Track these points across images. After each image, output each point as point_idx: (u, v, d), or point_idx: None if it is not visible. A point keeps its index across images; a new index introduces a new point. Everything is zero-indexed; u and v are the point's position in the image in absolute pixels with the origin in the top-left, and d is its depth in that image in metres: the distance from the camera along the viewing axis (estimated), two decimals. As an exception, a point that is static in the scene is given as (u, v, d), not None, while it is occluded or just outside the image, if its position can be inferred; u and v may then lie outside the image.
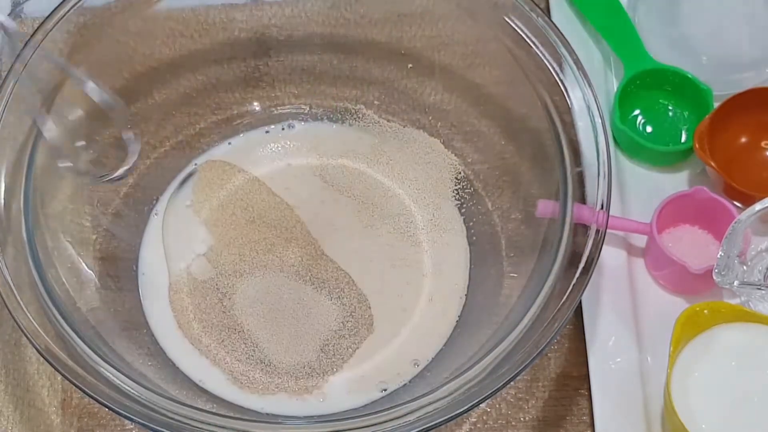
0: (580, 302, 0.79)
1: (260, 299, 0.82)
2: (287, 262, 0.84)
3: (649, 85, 0.89)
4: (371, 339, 0.81)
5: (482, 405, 0.78)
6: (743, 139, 0.87)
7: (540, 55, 0.77)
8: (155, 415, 0.67)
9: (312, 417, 0.77)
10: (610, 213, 0.72)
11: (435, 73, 0.88)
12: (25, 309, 0.70)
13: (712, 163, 0.82)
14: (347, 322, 0.81)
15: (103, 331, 0.75)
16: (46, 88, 0.77)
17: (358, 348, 0.80)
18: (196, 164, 0.88)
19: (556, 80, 0.76)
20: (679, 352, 0.73)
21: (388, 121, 0.89)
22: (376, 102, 0.89)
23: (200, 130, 0.89)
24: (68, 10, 0.77)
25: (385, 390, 0.79)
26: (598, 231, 0.71)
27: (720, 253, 0.75)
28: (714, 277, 0.75)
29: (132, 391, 0.68)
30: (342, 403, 0.78)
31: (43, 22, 0.77)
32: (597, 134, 0.74)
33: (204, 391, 0.79)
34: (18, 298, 0.70)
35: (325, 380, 0.79)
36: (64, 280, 0.75)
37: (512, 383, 0.70)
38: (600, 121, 0.74)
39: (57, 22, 0.77)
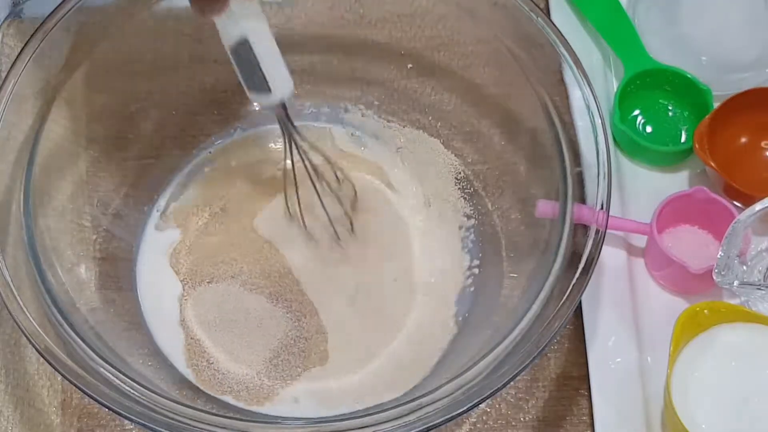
0: (580, 302, 0.80)
1: (215, 308, 0.82)
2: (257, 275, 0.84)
3: (649, 85, 0.89)
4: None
5: (482, 405, 0.78)
6: (743, 139, 0.87)
7: (540, 55, 0.77)
8: (155, 415, 0.67)
9: (311, 418, 0.77)
10: (610, 213, 0.72)
11: (435, 73, 0.88)
12: (25, 309, 0.70)
13: (712, 163, 0.82)
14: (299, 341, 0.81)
15: (103, 331, 0.75)
16: (46, 88, 0.77)
17: (306, 370, 0.80)
18: (210, 152, 0.89)
19: (555, 80, 0.76)
20: (679, 352, 0.73)
21: (388, 121, 0.89)
22: (376, 102, 0.89)
23: (200, 130, 0.89)
24: (68, 10, 0.77)
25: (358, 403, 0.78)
26: (598, 231, 0.71)
27: (720, 253, 0.75)
28: (714, 277, 0.75)
29: (132, 391, 0.68)
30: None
31: (43, 22, 0.77)
32: (597, 134, 0.74)
33: (204, 392, 0.79)
34: (18, 298, 0.70)
35: (275, 392, 0.79)
36: (64, 280, 0.75)
37: (512, 383, 0.70)
38: (600, 121, 0.74)
39: (57, 22, 0.77)
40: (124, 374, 0.69)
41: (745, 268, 0.78)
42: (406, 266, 0.84)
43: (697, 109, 0.87)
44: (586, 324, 0.80)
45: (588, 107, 0.75)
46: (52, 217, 0.78)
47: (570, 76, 0.76)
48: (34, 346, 0.69)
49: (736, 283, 0.76)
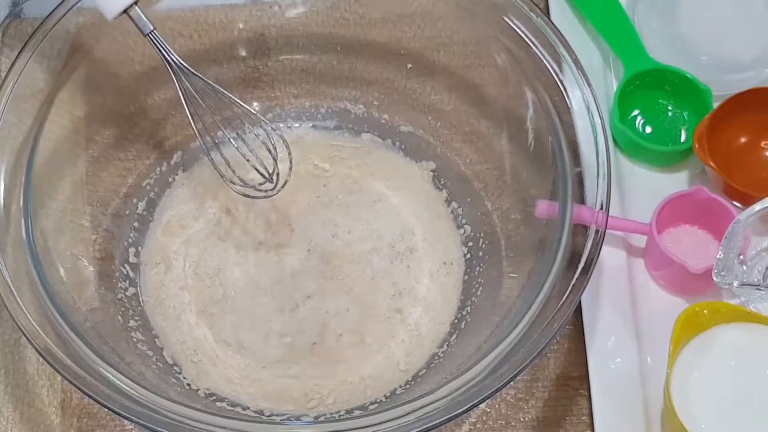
0: (580, 302, 0.80)
1: (217, 307, 0.82)
2: (281, 265, 0.84)
3: (649, 85, 0.89)
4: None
5: (482, 405, 0.78)
6: (743, 139, 0.87)
7: (539, 55, 0.77)
8: (155, 415, 0.67)
9: (311, 418, 0.77)
10: (610, 213, 0.72)
11: (435, 73, 0.88)
12: (24, 309, 0.70)
13: (712, 163, 0.82)
14: None
15: (103, 331, 0.75)
16: (46, 89, 0.77)
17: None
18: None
19: (555, 80, 0.76)
20: (679, 352, 0.73)
21: (388, 121, 0.89)
22: (375, 102, 0.89)
23: (200, 130, 0.89)
24: (68, 10, 0.77)
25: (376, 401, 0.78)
26: (597, 231, 0.71)
27: (720, 253, 0.75)
28: (713, 277, 0.75)
29: (132, 391, 0.68)
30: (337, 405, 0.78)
31: (43, 22, 0.77)
32: (596, 134, 0.74)
33: (204, 391, 0.79)
34: (18, 298, 0.70)
35: (277, 392, 0.79)
36: (64, 280, 0.75)
37: (512, 383, 0.70)
38: (599, 121, 0.74)
39: (57, 22, 0.77)
40: (124, 374, 0.69)
41: (744, 268, 0.78)
42: (405, 266, 0.84)
43: (697, 109, 0.87)
44: (586, 324, 0.80)
45: (588, 107, 0.75)
46: (52, 217, 0.78)
47: (570, 76, 0.76)
48: (34, 346, 0.69)
49: (735, 283, 0.76)
